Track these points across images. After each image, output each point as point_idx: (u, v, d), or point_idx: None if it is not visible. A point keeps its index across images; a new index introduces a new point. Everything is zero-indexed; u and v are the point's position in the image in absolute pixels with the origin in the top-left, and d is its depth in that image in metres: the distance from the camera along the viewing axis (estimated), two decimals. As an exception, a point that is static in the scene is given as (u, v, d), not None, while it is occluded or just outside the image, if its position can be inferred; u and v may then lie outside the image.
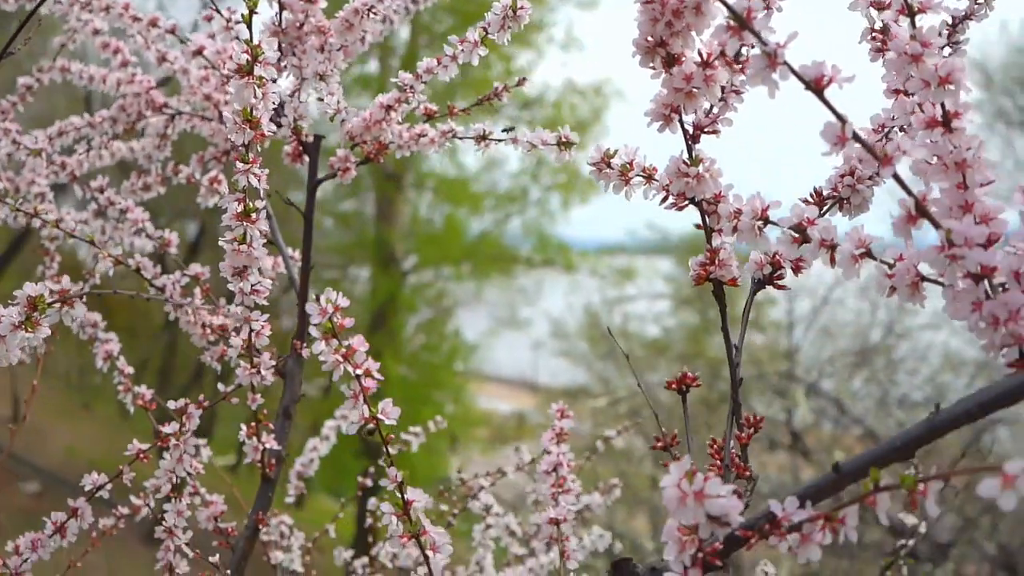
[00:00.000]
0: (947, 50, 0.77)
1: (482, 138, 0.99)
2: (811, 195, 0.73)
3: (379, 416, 0.67)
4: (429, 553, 0.68)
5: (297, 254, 1.16)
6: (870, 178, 0.71)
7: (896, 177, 0.54)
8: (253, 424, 1.00)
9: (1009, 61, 9.20)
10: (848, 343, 7.29)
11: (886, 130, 0.73)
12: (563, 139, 0.88)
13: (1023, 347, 0.53)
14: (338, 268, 11.54)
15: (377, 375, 0.66)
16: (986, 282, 0.56)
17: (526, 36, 10.95)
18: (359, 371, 0.66)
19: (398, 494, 0.68)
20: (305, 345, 1.00)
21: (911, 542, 1.13)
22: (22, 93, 1.36)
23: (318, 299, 0.64)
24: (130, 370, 1.14)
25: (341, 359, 0.65)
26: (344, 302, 0.65)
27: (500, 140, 0.99)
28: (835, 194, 0.72)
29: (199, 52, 1.06)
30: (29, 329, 0.70)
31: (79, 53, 1.45)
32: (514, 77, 1.03)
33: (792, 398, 5.73)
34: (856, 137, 0.53)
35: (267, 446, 1.01)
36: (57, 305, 0.69)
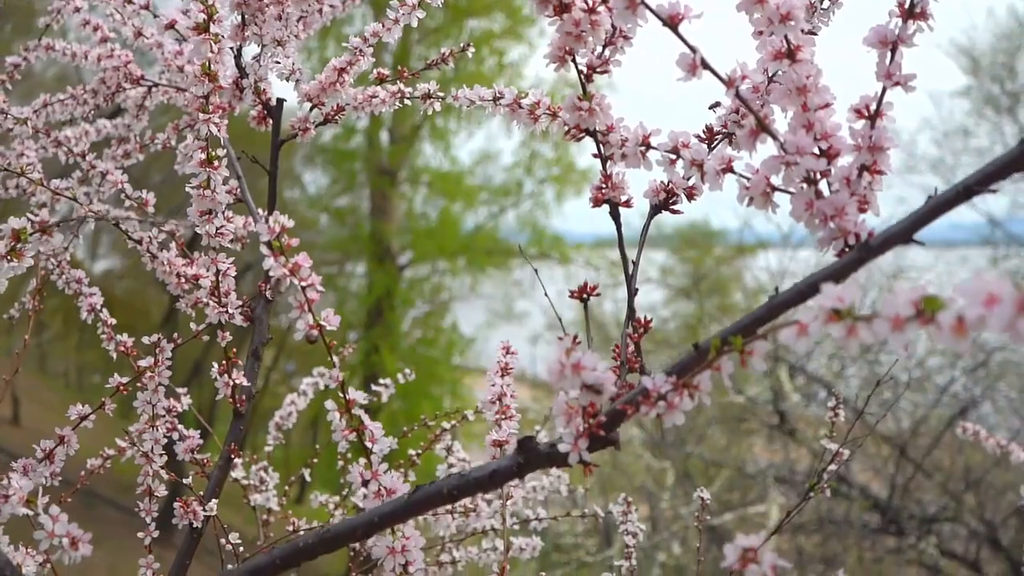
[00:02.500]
0: (826, 2, 0.87)
1: (427, 96, 1.09)
2: (703, 131, 0.82)
3: (322, 323, 0.76)
4: (368, 444, 0.78)
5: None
6: (753, 115, 0.81)
7: (739, 97, 0.64)
8: (224, 362, 1.10)
9: (996, 47, 9.29)
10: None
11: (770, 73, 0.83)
12: (496, 94, 0.97)
13: (848, 239, 0.63)
14: (335, 264, 11.63)
15: (319, 287, 0.76)
16: (826, 186, 0.66)
17: (519, 30, 11.06)
18: (304, 283, 0.75)
19: (340, 394, 0.78)
20: (269, 289, 1.10)
21: (833, 467, 1.22)
22: (10, 72, 1.46)
23: (267, 219, 0.74)
24: (113, 321, 1.23)
25: (288, 272, 0.75)
26: (289, 223, 0.75)
27: (442, 97, 1.09)
28: (724, 130, 0.82)
29: (171, 26, 1.16)
30: (14, 258, 0.80)
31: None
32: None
33: (776, 378, 5.84)
34: (704, 64, 0.63)
35: (237, 382, 1.11)
36: (37, 235, 0.79)
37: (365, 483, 0.78)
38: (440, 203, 11.68)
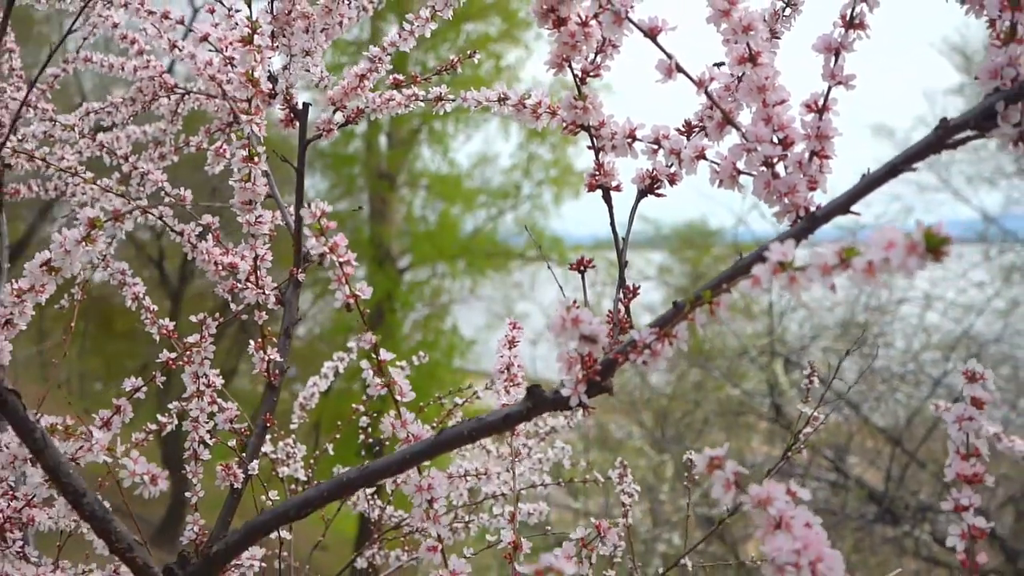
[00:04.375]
0: (788, 10, 1.00)
1: (439, 99, 1.22)
2: (682, 125, 0.95)
3: (357, 293, 0.89)
4: (397, 397, 0.90)
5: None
6: (725, 111, 0.93)
7: (708, 95, 0.77)
8: (260, 339, 1.22)
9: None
10: (834, 322, 7.54)
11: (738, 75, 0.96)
12: (501, 95, 1.10)
13: (799, 212, 0.76)
14: (335, 267, 11.72)
15: (354, 263, 0.88)
16: (782, 169, 0.79)
17: (515, 34, 11.20)
18: (342, 260, 0.88)
19: (373, 355, 0.91)
20: (302, 271, 1.22)
21: (808, 430, 1.35)
22: (51, 82, 1.59)
23: (309, 204, 0.87)
24: (155, 307, 1.36)
25: (328, 251, 0.88)
26: (328, 208, 0.87)
27: (452, 100, 1.22)
28: (700, 124, 0.94)
29: (204, 38, 1.29)
30: (88, 243, 0.92)
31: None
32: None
33: (771, 371, 5.96)
34: (679, 68, 0.76)
35: (272, 358, 1.23)
36: (111, 222, 0.92)
37: (395, 432, 0.90)
38: (439, 206, 11.79)
